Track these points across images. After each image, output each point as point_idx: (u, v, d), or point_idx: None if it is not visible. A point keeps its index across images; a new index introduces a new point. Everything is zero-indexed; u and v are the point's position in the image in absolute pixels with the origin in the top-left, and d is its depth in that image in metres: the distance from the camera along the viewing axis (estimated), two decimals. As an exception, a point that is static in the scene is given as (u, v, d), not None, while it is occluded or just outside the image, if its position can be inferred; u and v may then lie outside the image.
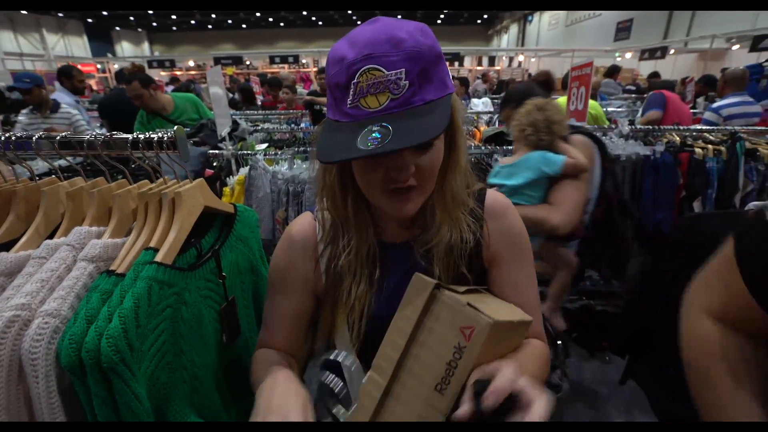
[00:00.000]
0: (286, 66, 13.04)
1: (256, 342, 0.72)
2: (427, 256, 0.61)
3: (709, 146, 2.00)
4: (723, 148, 1.98)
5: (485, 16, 23.28)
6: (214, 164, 2.19)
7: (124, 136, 0.67)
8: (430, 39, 0.50)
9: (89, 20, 18.26)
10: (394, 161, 0.51)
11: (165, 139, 0.65)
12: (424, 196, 0.58)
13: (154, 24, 22.15)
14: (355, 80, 0.48)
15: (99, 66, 13.27)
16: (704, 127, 2.15)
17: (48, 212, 0.68)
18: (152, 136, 0.66)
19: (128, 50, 21.51)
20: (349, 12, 20.73)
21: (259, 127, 3.04)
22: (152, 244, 0.62)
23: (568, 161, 1.43)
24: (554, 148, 1.47)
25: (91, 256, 0.59)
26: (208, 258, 0.72)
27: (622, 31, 11.30)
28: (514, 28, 20.66)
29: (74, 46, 17.58)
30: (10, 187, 0.69)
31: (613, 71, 6.33)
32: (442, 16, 22.55)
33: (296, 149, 2.25)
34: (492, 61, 14.52)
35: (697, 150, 1.98)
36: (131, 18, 19.53)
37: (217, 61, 12.13)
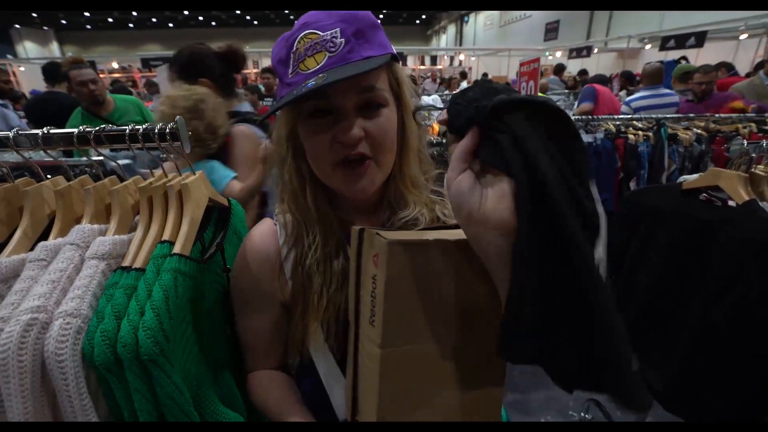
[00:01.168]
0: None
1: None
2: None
3: (640, 132, 2.26)
4: (651, 134, 2.25)
5: (423, 17, 23.92)
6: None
7: (121, 128, 0.64)
8: (368, 13, 0.51)
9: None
10: (340, 121, 0.49)
11: (167, 129, 0.63)
12: (381, 173, 0.55)
13: (63, 21, 19.89)
14: (294, 48, 0.49)
15: (1, 68, 11.71)
16: (634, 116, 2.42)
17: (34, 213, 0.63)
18: (152, 126, 0.64)
19: (33, 51, 18.96)
20: (286, 11, 20.24)
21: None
22: (165, 238, 0.60)
23: (234, 189, 1.22)
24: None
25: (100, 253, 0.56)
26: (215, 251, 0.71)
27: (551, 31, 12.24)
28: (451, 29, 21.47)
29: (-36, 46, 15.34)
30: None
31: (559, 69, 6.87)
32: (381, 16, 22.80)
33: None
34: (434, 60, 14.98)
35: (630, 136, 2.23)
36: (34, 15, 17.36)
37: (146, 62, 11.24)
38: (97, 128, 0.64)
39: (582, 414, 1.91)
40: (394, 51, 0.53)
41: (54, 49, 20.92)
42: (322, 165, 0.53)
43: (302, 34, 0.49)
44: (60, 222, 0.62)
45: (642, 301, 1.27)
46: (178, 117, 0.64)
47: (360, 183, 0.53)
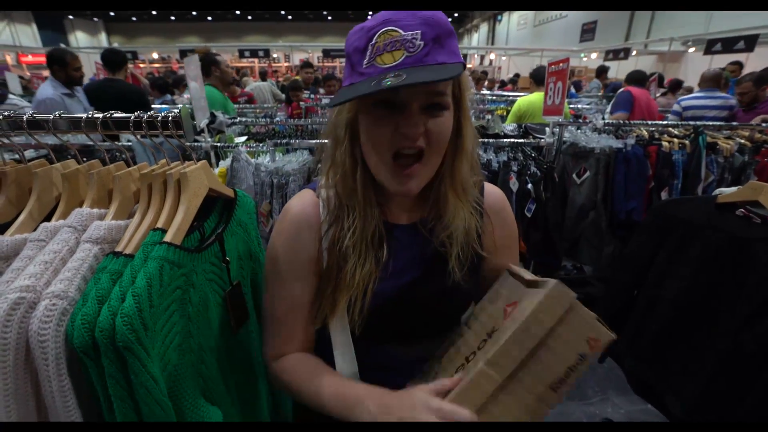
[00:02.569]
0: (256, 60, 12.71)
1: (262, 341, 0.70)
2: (447, 240, 0.62)
3: (675, 140, 2.13)
4: (687, 142, 2.12)
5: (456, 15, 23.60)
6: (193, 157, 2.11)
7: (125, 115, 0.64)
8: (445, 17, 0.53)
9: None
10: (406, 116, 0.52)
11: (170, 118, 0.63)
12: (428, 173, 0.58)
13: (111, 13, 20.90)
14: (373, 42, 0.51)
15: (73, 54, 12.37)
16: (670, 123, 2.29)
17: (41, 195, 0.64)
18: (156, 115, 0.64)
19: (83, 40, 20.04)
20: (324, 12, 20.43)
21: (237, 120, 2.97)
22: (159, 225, 0.60)
23: None
24: None
25: (95, 237, 0.57)
26: (213, 241, 0.70)
27: (587, 32, 11.78)
28: (484, 28, 21.07)
29: (22, 35, 16.23)
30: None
31: (600, 71, 6.64)
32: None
33: (277, 141, 2.21)
34: (464, 59, 14.78)
35: (664, 143, 2.10)
36: (87, 10, 18.32)
37: (184, 54, 11.64)
38: (104, 114, 0.65)
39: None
40: (462, 59, 0.55)
41: (102, 39, 21.99)
42: (377, 154, 0.56)
43: (384, 29, 0.51)
44: (64, 205, 0.63)
45: (666, 318, 1.19)
46: (180, 106, 0.64)
47: (408, 184, 0.56)
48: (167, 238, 0.58)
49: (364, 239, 0.60)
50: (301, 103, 4.01)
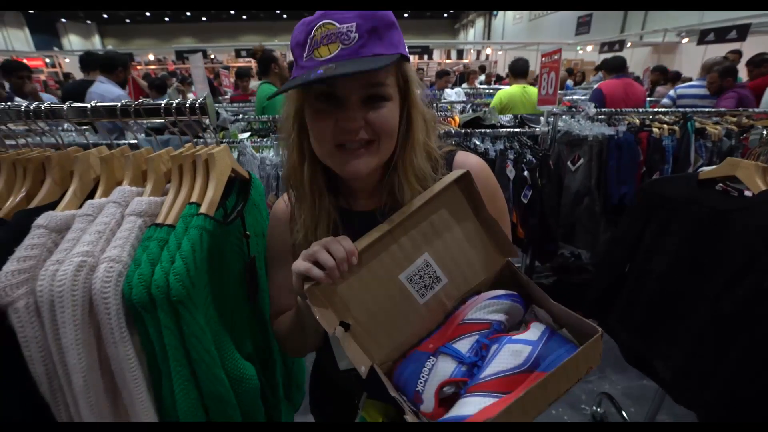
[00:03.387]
0: (253, 60, 12.70)
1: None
2: None
3: (665, 126, 2.20)
4: (676, 128, 2.19)
5: (452, 10, 23.59)
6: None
7: (156, 102, 0.71)
8: (386, 11, 0.53)
9: (30, 11, 16.94)
10: (344, 109, 0.53)
11: (196, 104, 0.70)
12: (376, 158, 0.57)
13: (104, 16, 20.84)
14: (311, 35, 0.52)
15: (48, 60, 12.42)
16: (659, 110, 2.36)
17: (82, 176, 0.72)
18: (183, 101, 0.71)
19: (77, 44, 19.99)
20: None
21: (240, 117, 3.03)
22: (194, 200, 0.67)
23: None
24: None
25: (138, 211, 0.64)
26: (236, 217, 0.78)
27: (583, 25, 11.83)
28: (480, 22, 21.08)
29: (14, 39, 16.17)
30: (42, 154, 0.72)
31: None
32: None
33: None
34: (460, 54, 14.83)
35: (655, 130, 2.18)
36: (80, 10, 18.29)
37: (179, 54, 11.63)
38: (137, 102, 0.73)
39: (594, 408, 1.91)
40: (406, 51, 0.56)
41: (96, 42, 21.96)
42: (322, 145, 0.56)
43: (321, 22, 0.52)
44: (104, 184, 0.71)
45: (654, 290, 1.27)
46: (207, 93, 0.72)
47: (356, 165, 0.56)
48: (202, 210, 0.65)
49: (314, 232, 0.61)
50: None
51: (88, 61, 3.16)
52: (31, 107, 0.71)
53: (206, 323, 0.60)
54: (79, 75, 3.31)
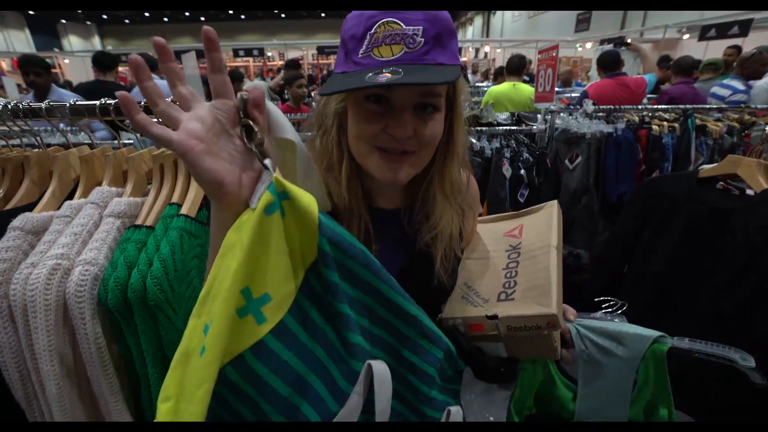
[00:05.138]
0: (251, 59, 12.68)
1: None
2: (431, 241, 0.62)
3: (665, 123, 2.18)
4: (676, 125, 2.16)
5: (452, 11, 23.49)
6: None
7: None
8: (449, 16, 0.52)
9: (31, 12, 16.95)
10: (396, 116, 0.51)
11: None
12: (417, 168, 0.56)
13: (104, 17, 20.86)
14: (372, 31, 0.48)
15: (48, 61, 12.42)
16: (659, 107, 2.33)
17: (61, 176, 0.70)
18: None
19: (77, 44, 20.08)
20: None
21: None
22: (174, 200, 0.65)
23: None
24: None
25: (117, 212, 0.62)
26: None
27: (582, 22, 11.78)
28: (478, 20, 21.02)
29: (15, 40, 16.21)
30: (21, 154, 0.70)
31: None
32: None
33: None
34: (459, 51, 14.76)
35: (654, 127, 2.15)
36: (78, 10, 18.30)
37: (177, 55, 11.49)
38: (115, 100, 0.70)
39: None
40: (461, 62, 0.54)
41: (96, 43, 21.97)
42: (364, 146, 0.54)
43: (385, 19, 0.49)
44: (83, 184, 0.69)
45: (653, 290, 1.25)
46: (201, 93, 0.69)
47: (396, 173, 0.54)
48: (183, 211, 0.63)
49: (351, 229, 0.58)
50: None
51: (106, 61, 3.14)
52: (12, 105, 0.68)
53: (187, 328, 0.58)
54: (77, 76, 3.35)
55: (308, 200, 0.41)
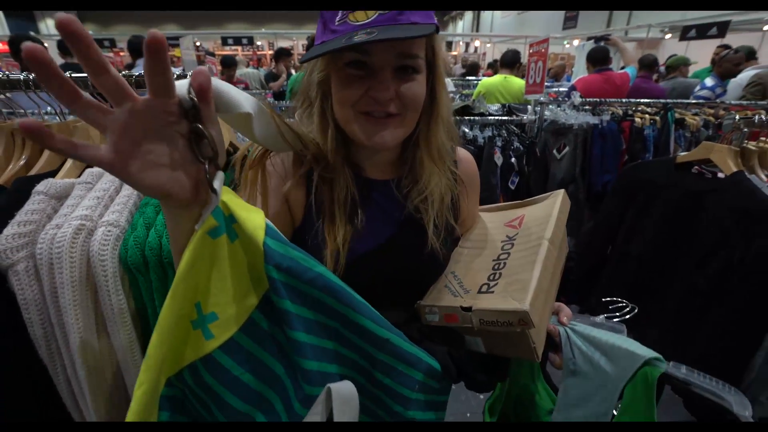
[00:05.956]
0: (239, 48, 12.49)
1: None
2: (421, 205, 0.62)
3: (647, 116, 2.27)
4: (657, 118, 2.26)
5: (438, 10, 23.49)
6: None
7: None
8: None
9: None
10: (377, 79, 0.51)
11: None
12: (402, 130, 0.56)
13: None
14: None
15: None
16: (642, 100, 2.42)
17: (79, 147, 0.72)
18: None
19: (54, 28, 19.43)
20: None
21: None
22: (190, 170, 0.68)
23: None
24: None
25: (135, 179, 0.65)
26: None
27: (570, 20, 11.94)
28: (468, 15, 21.06)
29: (-12, 22, 15.59)
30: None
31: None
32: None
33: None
34: (449, 45, 14.82)
35: (637, 119, 2.24)
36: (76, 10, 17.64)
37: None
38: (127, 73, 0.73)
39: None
40: (437, 22, 0.53)
41: (74, 28, 21.23)
42: (347, 110, 0.54)
43: None
44: (100, 155, 0.71)
45: (633, 271, 1.33)
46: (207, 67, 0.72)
47: (381, 134, 0.54)
48: (199, 178, 0.66)
49: (336, 201, 0.59)
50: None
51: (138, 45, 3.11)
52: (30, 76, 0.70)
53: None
54: (56, 60, 3.29)
55: (253, 227, 0.40)
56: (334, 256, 0.56)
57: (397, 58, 0.52)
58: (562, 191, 0.70)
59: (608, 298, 0.83)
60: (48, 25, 19.12)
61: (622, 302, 0.77)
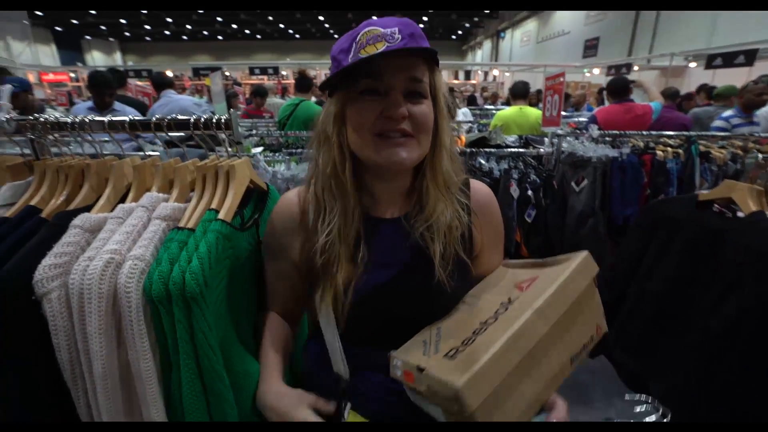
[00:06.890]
0: (265, 77, 13.13)
1: None
2: (427, 233, 0.63)
3: (669, 149, 2.24)
4: (681, 151, 2.22)
5: (460, 32, 24.14)
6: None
7: (185, 117, 0.78)
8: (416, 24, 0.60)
9: (57, 28, 17.81)
10: (389, 100, 0.57)
11: (222, 120, 0.77)
12: (418, 150, 0.60)
13: (127, 34, 21.82)
14: (357, 40, 0.57)
15: (72, 75, 12.97)
16: (663, 132, 2.40)
17: (116, 183, 0.78)
18: (208, 117, 0.78)
19: (99, 60, 21.05)
20: (326, 25, 21.12)
21: (253, 132, 3.14)
22: (213, 206, 0.73)
23: None
24: None
25: (163, 215, 0.70)
26: (251, 225, 0.83)
27: (590, 48, 12.02)
28: (487, 45, 21.52)
29: (42, 55, 16.97)
30: (82, 162, 0.79)
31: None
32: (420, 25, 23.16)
33: (292, 151, 2.37)
34: (468, 74, 15.12)
35: (659, 152, 2.21)
36: (102, 27, 19.20)
37: (196, 71, 12.06)
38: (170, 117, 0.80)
39: None
40: (437, 61, 0.61)
41: (117, 58, 22.98)
42: (364, 134, 0.59)
43: (365, 29, 0.58)
44: (135, 190, 0.77)
45: (650, 309, 1.28)
46: (231, 110, 0.78)
47: (398, 153, 0.58)
48: (220, 216, 0.71)
49: (343, 240, 0.62)
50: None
51: (116, 78, 3.31)
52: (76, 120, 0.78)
53: (215, 322, 0.63)
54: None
55: None
56: (341, 297, 0.61)
57: (405, 82, 0.58)
58: (585, 252, 0.59)
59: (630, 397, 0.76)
60: (94, 57, 20.72)
61: (645, 400, 0.68)
